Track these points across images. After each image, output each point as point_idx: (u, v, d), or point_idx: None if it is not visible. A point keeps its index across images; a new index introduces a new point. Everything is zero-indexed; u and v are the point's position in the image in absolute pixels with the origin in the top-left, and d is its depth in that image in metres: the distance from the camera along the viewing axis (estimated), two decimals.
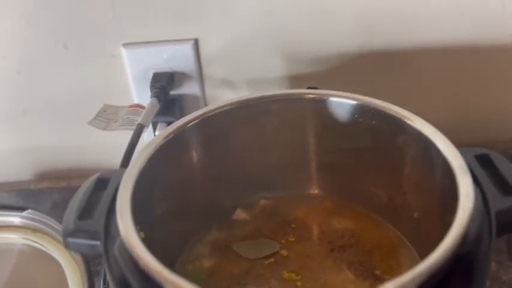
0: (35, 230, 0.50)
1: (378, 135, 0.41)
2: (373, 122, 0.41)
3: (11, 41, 0.52)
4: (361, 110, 0.41)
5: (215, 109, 0.40)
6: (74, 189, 0.37)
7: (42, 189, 0.60)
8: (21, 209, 0.52)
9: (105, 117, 0.48)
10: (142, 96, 0.53)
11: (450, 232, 0.28)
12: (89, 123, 0.46)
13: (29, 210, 0.51)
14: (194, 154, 0.41)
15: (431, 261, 0.27)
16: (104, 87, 0.55)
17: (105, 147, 0.59)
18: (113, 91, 0.55)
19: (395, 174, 0.42)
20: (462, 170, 0.32)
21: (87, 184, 0.37)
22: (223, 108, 0.41)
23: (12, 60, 0.53)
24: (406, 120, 0.38)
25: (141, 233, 0.31)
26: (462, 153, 0.34)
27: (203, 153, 0.41)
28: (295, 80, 0.54)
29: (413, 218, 0.41)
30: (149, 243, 0.31)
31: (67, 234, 0.33)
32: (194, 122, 0.39)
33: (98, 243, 0.32)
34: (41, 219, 0.50)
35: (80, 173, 0.60)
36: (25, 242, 0.50)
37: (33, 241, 0.50)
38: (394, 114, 0.39)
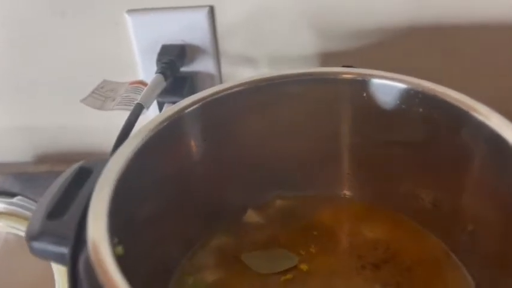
0: (22, 218, 0.45)
1: (427, 126, 0.34)
2: (421, 110, 0.34)
3: (1, 8, 0.47)
4: (409, 95, 0.34)
5: (222, 91, 0.34)
6: None
7: (41, 173, 0.56)
8: (12, 194, 0.46)
9: (102, 95, 0.41)
10: (150, 71, 0.47)
11: None
12: (82, 101, 0.40)
13: (19, 197, 0.46)
14: (195, 145, 0.34)
15: None
16: (106, 61, 0.49)
17: (112, 128, 0.53)
18: (117, 65, 0.49)
19: (446, 174, 0.35)
20: None
21: (66, 174, 0.32)
22: (232, 90, 0.34)
23: (3, 30, 0.48)
24: (468, 110, 0.30)
25: (119, 248, 0.24)
26: None
27: (207, 143, 0.35)
28: (327, 57, 0.47)
29: (466, 231, 0.34)
30: (136, 251, 0.26)
31: (31, 236, 0.27)
32: (195, 107, 0.32)
33: (64, 250, 0.26)
34: (29, 206, 0.45)
35: (84, 157, 0.54)
36: (10, 230, 0.46)
37: (20, 230, 0.45)
38: (451, 101, 0.31)
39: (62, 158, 0.56)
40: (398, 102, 0.34)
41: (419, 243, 0.36)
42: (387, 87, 0.34)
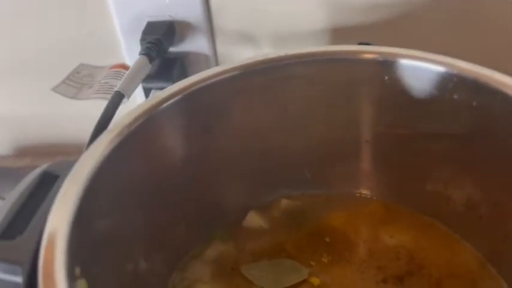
0: None
1: (463, 115, 0.29)
2: (455, 96, 0.29)
3: None
4: (442, 79, 0.28)
5: (214, 75, 0.28)
6: None
7: (22, 168, 0.51)
8: None
9: (78, 81, 0.36)
10: (134, 52, 0.41)
11: None
12: (54, 89, 0.35)
13: None
14: (181, 141, 0.29)
15: None
16: (85, 41, 0.43)
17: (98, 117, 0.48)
18: (97, 46, 0.43)
19: (487, 172, 0.30)
20: None
21: (27, 181, 0.27)
22: (227, 75, 0.28)
23: None
24: None
25: (82, 282, 0.19)
26: None
27: (196, 138, 0.29)
28: (340, 34, 0.41)
29: (509, 240, 0.29)
30: (109, 273, 0.22)
31: None
32: (179, 97, 0.26)
33: (18, 280, 0.21)
34: None
35: (68, 149, 0.51)
36: None
37: None
38: (496, 86, 0.26)
39: (43, 151, 0.52)
40: (427, 87, 0.29)
41: (450, 252, 0.31)
42: (414, 69, 0.29)
